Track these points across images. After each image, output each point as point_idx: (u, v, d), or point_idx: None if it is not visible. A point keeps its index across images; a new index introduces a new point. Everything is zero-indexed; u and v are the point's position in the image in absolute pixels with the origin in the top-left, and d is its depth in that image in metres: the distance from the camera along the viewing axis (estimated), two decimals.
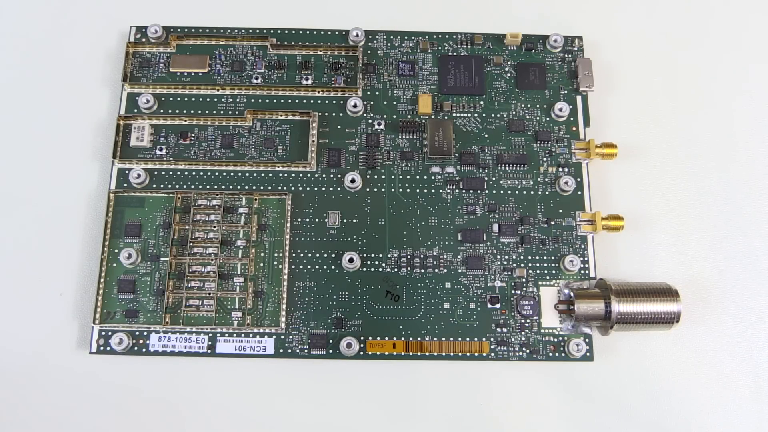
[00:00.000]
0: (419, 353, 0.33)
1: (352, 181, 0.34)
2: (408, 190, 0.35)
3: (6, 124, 0.36)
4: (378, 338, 0.33)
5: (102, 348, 0.32)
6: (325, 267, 0.34)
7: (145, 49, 0.36)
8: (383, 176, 0.35)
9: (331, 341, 0.33)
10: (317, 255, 0.34)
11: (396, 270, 0.34)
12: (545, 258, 0.34)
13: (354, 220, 0.34)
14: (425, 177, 0.35)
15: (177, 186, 0.34)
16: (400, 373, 0.33)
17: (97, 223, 0.35)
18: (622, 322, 0.32)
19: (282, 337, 0.33)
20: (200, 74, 0.36)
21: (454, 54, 0.37)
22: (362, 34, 0.37)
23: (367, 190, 0.35)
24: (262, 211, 0.34)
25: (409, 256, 0.34)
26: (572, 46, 0.37)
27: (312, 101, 0.36)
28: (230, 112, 0.35)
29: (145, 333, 0.33)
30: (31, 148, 0.36)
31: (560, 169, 0.35)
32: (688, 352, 0.34)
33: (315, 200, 0.34)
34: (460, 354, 0.33)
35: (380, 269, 0.34)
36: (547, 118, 0.36)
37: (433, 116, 0.36)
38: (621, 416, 0.33)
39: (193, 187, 0.34)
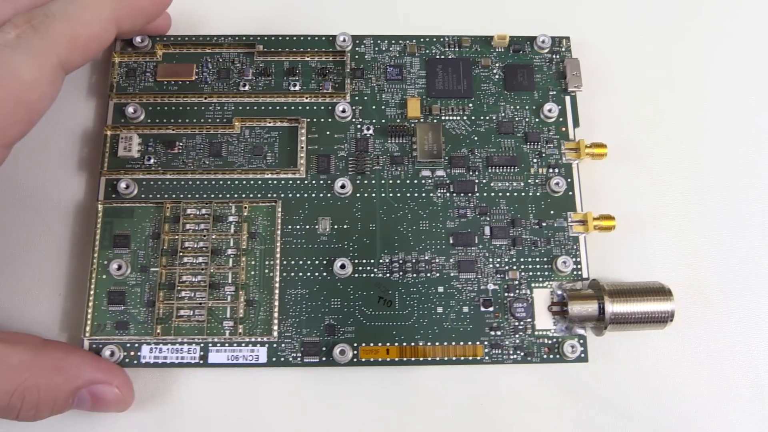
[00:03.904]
0: (413, 358, 0.32)
1: (342, 186, 0.34)
2: (398, 194, 0.35)
3: None
4: (371, 344, 0.33)
5: None
6: (316, 274, 0.33)
7: (131, 59, 0.36)
8: (373, 181, 0.35)
9: (324, 348, 0.32)
10: (308, 262, 0.33)
11: (388, 275, 0.33)
12: (538, 260, 0.34)
13: (345, 226, 0.34)
14: (415, 181, 0.35)
15: (166, 195, 0.34)
16: (395, 378, 0.33)
17: (85, 234, 0.34)
18: (615, 322, 0.32)
19: (274, 345, 0.32)
20: (187, 83, 0.36)
21: (442, 57, 0.37)
22: (349, 39, 0.36)
23: (358, 195, 0.34)
24: (251, 218, 0.34)
25: (401, 261, 0.34)
26: (560, 47, 0.37)
27: (300, 107, 0.36)
28: (218, 120, 0.35)
29: (137, 345, 0.32)
30: (18, 160, 0.35)
31: (550, 170, 0.35)
32: (683, 351, 0.34)
33: (305, 207, 0.34)
34: (454, 358, 0.32)
35: (372, 275, 0.33)
36: (537, 120, 0.36)
37: (422, 120, 0.35)
38: (617, 417, 0.33)
39: (182, 196, 0.34)
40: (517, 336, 0.33)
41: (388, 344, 0.33)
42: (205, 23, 0.38)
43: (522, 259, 0.34)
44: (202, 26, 0.37)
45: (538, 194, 0.35)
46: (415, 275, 0.33)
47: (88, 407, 0.30)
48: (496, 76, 0.36)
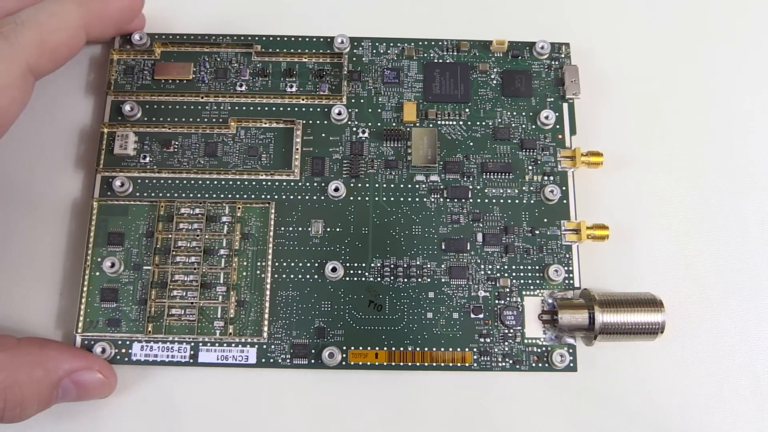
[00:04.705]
0: (402, 363, 0.33)
1: (336, 189, 0.34)
2: (392, 198, 0.35)
3: None
4: (360, 348, 0.33)
5: None
6: (308, 276, 0.33)
7: (129, 57, 0.36)
8: (367, 185, 0.35)
9: (313, 351, 0.33)
10: (300, 264, 0.34)
11: (379, 279, 0.33)
12: (529, 267, 0.34)
13: (337, 229, 0.34)
14: (409, 185, 0.35)
15: (160, 194, 0.34)
16: (383, 383, 0.33)
17: (81, 231, 0.34)
18: (605, 332, 0.32)
19: (264, 346, 0.33)
20: (184, 82, 0.36)
21: (440, 61, 0.36)
22: (347, 41, 0.36)
23: (351, 198, 0.34)
24: (245, 219, 0.34)
25: (392, 266, 0.34)
26: (559, 53, 0.37)
27: (296, 109, 0.36)
28: (214, 120, 0.35)
29: (128, 342, 0.33)
30: (16, 156, 0.36)
31: (545, 178, 0.35)
32: (670, 364, 0.34)
33: (298, 209, 0.34)
34: (442, 364, 0.33)
35: (363, 278, 0.33)
36: (533, 126, 0.35)
37: (417, 124, 0.35)
38: (605, 427, 0.33)
39: (176, 195, 0.34)
40: (506, 344, 0.33)
41: (377, 348, 0.33)
42: (203, 22, 0.38)
43: (514, 267, 0.34)
44: (200, 25, 0.37)
45: (532, 202, 0.34)
46: (406, 280, 0.33)
47: (74, 397, 0.30)
48: (494, 82, 0.36)
